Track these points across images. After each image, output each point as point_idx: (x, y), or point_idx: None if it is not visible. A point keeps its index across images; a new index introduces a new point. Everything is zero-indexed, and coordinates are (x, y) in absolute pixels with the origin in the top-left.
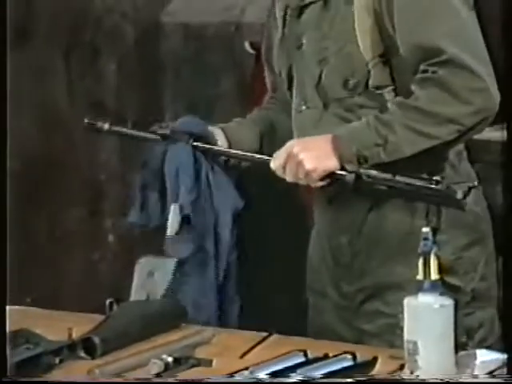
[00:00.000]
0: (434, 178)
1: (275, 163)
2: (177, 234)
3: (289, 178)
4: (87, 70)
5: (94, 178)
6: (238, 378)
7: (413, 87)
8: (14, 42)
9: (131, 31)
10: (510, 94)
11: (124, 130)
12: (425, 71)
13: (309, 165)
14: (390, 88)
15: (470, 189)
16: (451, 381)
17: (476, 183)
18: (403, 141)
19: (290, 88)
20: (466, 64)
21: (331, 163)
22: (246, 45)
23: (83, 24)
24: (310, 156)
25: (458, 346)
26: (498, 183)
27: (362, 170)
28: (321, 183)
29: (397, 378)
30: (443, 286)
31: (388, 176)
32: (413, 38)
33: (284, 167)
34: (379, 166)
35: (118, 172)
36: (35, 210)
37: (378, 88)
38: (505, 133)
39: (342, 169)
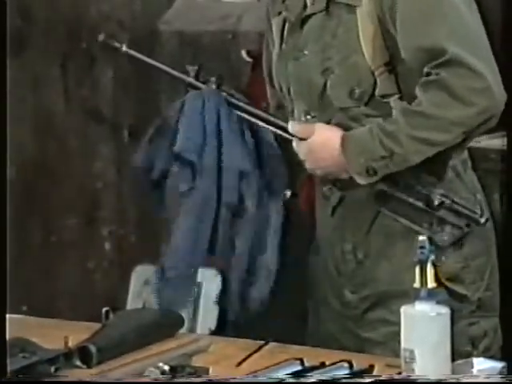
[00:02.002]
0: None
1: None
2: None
3: None
4: (84, 77)
5: (90, 187)
6: (261, 378)
7: (417, 91)
8: (10, 51)
9: (128, 39)
10: (509, 103)
11: (141, 56)
12: (428, 74)
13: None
14: (396, 96)
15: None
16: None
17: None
18: (410, 151)
19: (290, 101)
20: (467, 62)
21: (345, 175)
22: (243, 53)
23: (80, 32)
24: (325, 172)
25: (463, 355)
26: (496, 191)
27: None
28: None
29: (394, 377)
30: (449, 294)
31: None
32: (415, 41)
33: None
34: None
35: (114, 180)
36: (31, 217)
37: (383, 97)
38: (502, 141)
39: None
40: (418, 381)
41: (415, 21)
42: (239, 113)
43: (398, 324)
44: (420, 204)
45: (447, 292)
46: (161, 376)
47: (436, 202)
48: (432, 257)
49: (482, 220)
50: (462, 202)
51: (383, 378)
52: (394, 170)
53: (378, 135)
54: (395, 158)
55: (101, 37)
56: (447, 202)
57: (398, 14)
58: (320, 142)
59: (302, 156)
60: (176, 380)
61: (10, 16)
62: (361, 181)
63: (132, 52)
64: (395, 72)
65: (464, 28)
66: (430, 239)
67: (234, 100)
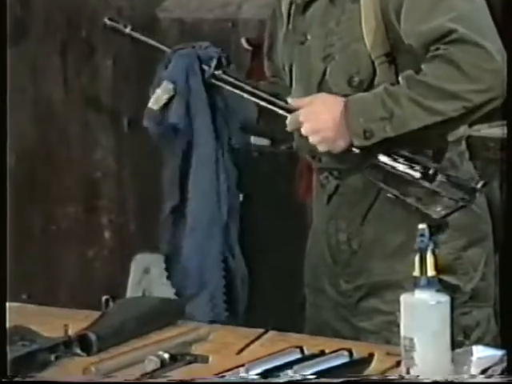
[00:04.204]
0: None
1: (291, 128)
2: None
3: None
4: (83, 66)
5: (90, 175)
6: (228, 378)
7: (422, 65)
8: (10, 39)
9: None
10: (508, 93)
11: (145, 37)
12: (437, 49)
13: (322, 148)
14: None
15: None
16: (448, 380)
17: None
18: (408, 115)
19: (291, 83)
20: (478, 42)
21: (342, 143)
22: (243, 41)
23: (79, 20)
24: (320, 140)
25: (455, 345)
26: (495, 179)
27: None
28: None
29: (392, 378)
30: (441, 285)
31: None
32: (423, 26)
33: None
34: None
35: (114, 169)
36: (31, 206)
37: None
38: (502, 129)
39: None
40: (417, 381)
41: (422, 8)
42: (235, 90)
43: (391, 314)
44: (416, 175)
45: (439, 282)
46: (160, 365)
47: (431, 172)
48: (431, 245)
49: (479, 185)
50: (457, 176)
51: (376, 378)
52: (391, 134)
53: (380, 95)
54: (394, 121)
55: (105, 20)
56: (442, 175)
57: (405, 3)
58: (324, 103)
59: (302, 118)
60: (163, 380)
61: (10, 5)
62: (356, 142)
63: (136, 34)
64: (395, 63)
65: (473, 13)
66: (430, 227)
67: (231, 79)
